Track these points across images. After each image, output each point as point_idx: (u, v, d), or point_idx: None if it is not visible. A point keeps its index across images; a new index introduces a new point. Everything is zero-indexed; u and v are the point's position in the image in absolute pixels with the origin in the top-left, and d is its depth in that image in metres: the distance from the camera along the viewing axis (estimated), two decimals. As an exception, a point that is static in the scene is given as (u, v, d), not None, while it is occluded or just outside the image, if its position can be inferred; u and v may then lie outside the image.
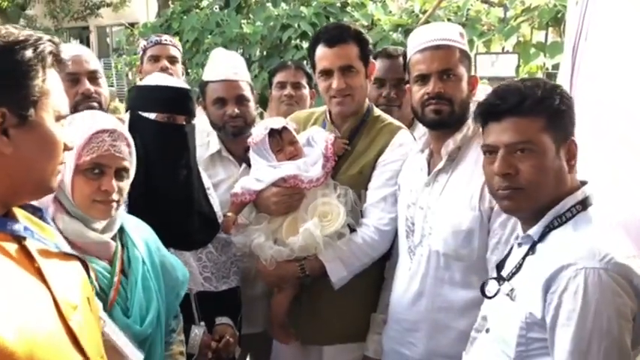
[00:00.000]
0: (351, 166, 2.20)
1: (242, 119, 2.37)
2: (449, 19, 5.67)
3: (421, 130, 2.23)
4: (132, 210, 1.81)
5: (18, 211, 1.12)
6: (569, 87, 2.10)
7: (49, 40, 1.08)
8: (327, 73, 2.17)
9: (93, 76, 2.32)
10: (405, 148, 2.18)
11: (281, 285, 2.19)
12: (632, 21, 1.94)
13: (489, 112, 1.51)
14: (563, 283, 1.31)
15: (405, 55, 2.06)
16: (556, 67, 4.76)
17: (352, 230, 2.13)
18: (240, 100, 2.37)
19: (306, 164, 2.16)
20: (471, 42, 5.25)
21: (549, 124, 1.44)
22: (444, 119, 1.91)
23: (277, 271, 2.12)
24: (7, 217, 1.08)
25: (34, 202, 1.19)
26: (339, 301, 2.14)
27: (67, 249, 1.21)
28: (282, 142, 2.19)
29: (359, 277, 2.14)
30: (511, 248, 1.61)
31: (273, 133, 2.18)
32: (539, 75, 5.25)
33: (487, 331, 1.60)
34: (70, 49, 2.33)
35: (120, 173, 1.58)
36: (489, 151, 1.51)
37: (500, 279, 1.53)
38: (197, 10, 7.56)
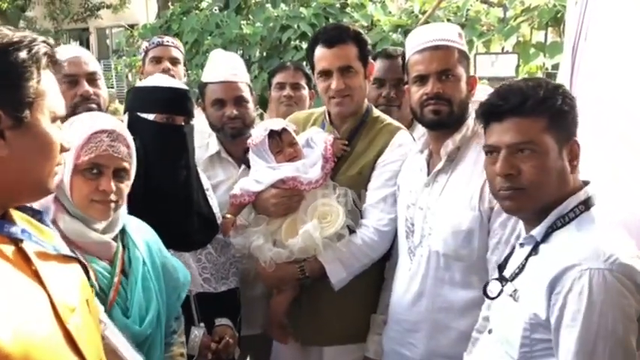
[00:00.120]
0: (350, 166, 2.20)
1: (241, 120, 2.37)
2: (448, 20, 5.67)
3: (420, 130, 2.22)
4: (131, 210, 1.80)
5: (16, 214, 1.11)
6: (569, 87, 2.10)
7: (44, 42, 1.07)
8: (326, 74, 2.17)
9: (92, 78, 2.31)
10: (405, 148, 2.18)
11: (281, 287, 2.19)
12: (632, 21, 1.93)
13: (491, 112, 1.51)
14: (567, 284, 1.30)
15: (404, 56, 2.06)
16: (556, 67, 4.76)
17: (352, 231, 2.13)
18: (239, 102, 2.37)
19: (305, 166, 2.16)
20: (470, 42, 5.26)
21: (551, 125, 1.43)
22: (442, 120, 1.90)
23: (277, 273, 2.11)
24: (5, 219, 1.07)
25: (35, 204, 1.18)
26: (339, 302, 2.13)
27: (66, 251, 1.21)
28: (281, 144, 2.18)
29: (359, 277, 2.13)
30: (513, 248, 1.60)
31: (273, 135, 2.18)
32: (539, 75, 5.25)
33: (490, 332, 1.60)
34: (69, 51, 2.34)
35: (119, 174, 1.58)
36: (491, 151, 1.51)
37: (502, 280, 1.53)
38: (197, 12, 7.54)
